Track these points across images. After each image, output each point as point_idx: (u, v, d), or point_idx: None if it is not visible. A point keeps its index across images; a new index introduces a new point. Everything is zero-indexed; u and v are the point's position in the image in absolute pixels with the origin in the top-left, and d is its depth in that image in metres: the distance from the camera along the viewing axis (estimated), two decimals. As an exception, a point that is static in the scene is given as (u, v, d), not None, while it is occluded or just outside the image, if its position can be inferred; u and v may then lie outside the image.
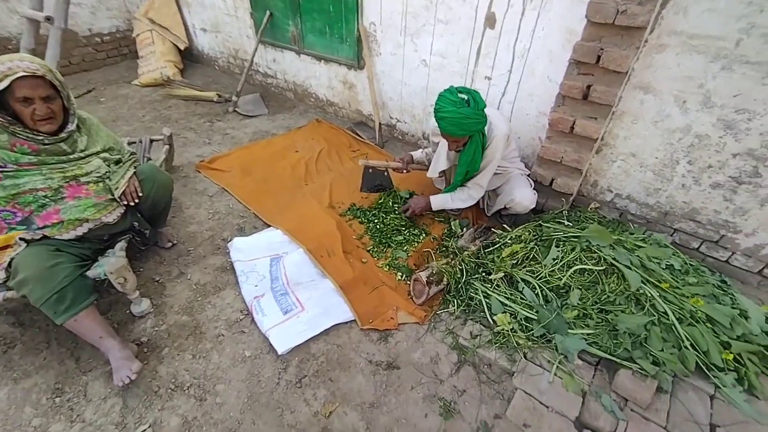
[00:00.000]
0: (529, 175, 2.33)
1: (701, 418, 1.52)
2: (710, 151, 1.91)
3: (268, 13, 3.57)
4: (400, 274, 2.06)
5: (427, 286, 1.88)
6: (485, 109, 1.85)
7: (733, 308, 1.73)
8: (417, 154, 2.48)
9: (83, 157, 1.66)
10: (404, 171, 2.39)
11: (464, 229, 2.32)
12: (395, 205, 2.46)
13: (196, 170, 2.89)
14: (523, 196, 2.09)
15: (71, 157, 1.62)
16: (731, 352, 1.61)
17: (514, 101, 2.49)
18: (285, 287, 1.91)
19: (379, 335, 1.81)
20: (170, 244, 2.19)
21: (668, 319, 1.67)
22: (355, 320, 1.84)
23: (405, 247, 2.18)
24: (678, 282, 1.78)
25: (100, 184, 1.71)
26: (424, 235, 2.26)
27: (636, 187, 2.22)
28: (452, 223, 2.35)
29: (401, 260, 2.12)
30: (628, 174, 2.21)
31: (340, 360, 1.72)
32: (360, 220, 2.38)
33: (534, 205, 2.13)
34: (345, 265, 2.03)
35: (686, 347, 1.62)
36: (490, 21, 2.34)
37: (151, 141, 2.64)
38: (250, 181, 2.75)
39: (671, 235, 2.22)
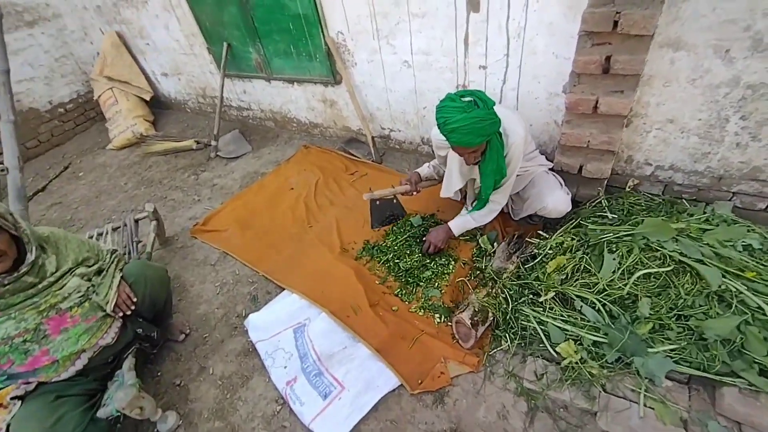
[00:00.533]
0: (552, 169, 2.05)
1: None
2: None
3: (225, 45, 3.28)
4: (437, 315, 1.84)
5: (473, 329, 1.65)
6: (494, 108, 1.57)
7: (838, 285, 1.47)
8: (424, 171, 2.21)
9: (56, 281, 1.45)
10: (414, 193, 2.13)
11: (494, 244, 2.07)
12: (418, 227, 2.24)
13: (192, 236, 2.68)
14: (556, 201, 1.82)
15: (41, 286, 1.40)
16: None
17: (518, 87, 2.19)
18: (317, 365, 1.70)
19: (433, 397, 1.60)
20: (183, 335, 1.99)
21: (765, 314, 1.42)
22: (402, 385, 1.63)
23: (436, 283, 1.95)
24: (764, 265, 1.52)
25: (86, 305, 1.50)
26: (453, 262, 2.02)
27: (679, 155, 1.93)
28: (480, 240, 2.09)
29: (435, 299, 1.89)
30: (667, 143, 1.92)
31: (398, 439, 1.52)
32: (378, 259, 2.14)
33: (570, 208, 1.86)
34: (376, 321, 1.80)
35: (785, 339, 1.37)
36: (473, 4, 2.03)
37: (136, 221, 2.43)
38: (252, 238, 2.53)
39: (730, 200, 1.94)
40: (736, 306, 1.45)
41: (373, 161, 3.00)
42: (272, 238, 2.50)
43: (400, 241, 2.18)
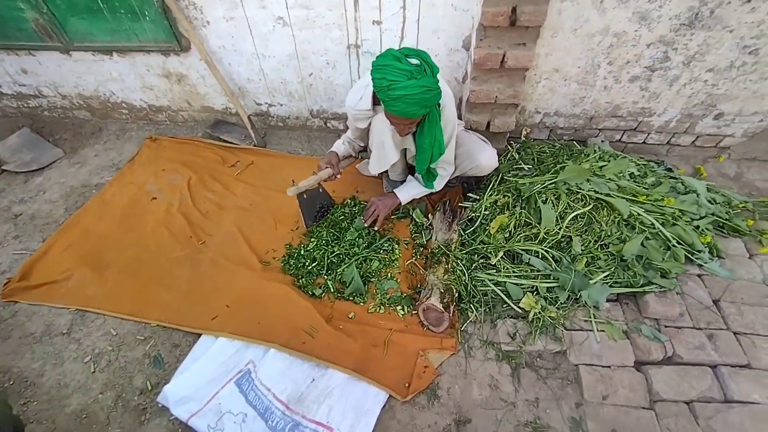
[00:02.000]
0: (465, 128, 2.04)
1: (706, 300, 1.70)
2: (627, 47, 1.88)
3: (-34, -4, 2.09)
4: (400, 308, 1.68)
5: (445, 311, 1.57)
6: None
7: (688, 192, 1.90)
8: (340, 149, 1.89)
9: None
10: (337, 176, 1.82)
11: (429, 216, 1.99)
12: (341, 218, 1.95)
13: (6, 302, 1.77)
14: (489, 158, 1.81)
15: None
16: (707, 234, 1.79)
17: (416, 43, 2.03)
18: (289, 416, 1.36)
19: (426, 396, 1.48)
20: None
21: (655, 228, 1.74)
22: (391, 396, 1.45)
23: (387, 273, 1.76)
24: (646, 188, 1.84)
25: None
26: (396, 246, 1.86)
27: (562, 101, 2.15)
28: (414, 214, 1.97)
29: (393, 291, 1.72)
30: (553, 91, 2.10)
31: (407, 455, 1.37)
32: (308, 265, 1.80)
33: (497, 163, 1.88)
34: (339, 337, 1.54)
35: (674, 246, 1.73)
36: (360, -54, 1.72)
37: None
38: (118, 277, 1.82)
39: (596, 136, 2.29)
40: (638, 227, 1.73)
41: (254, 145, 2.48)
42: (151, 270, 1.85)
43: (328, 234, 1.88)
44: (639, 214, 1.74)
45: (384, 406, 1.44)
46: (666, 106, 2.11)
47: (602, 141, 2.19)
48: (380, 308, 1.68)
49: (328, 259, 1.77)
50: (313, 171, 1.76)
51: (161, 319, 1.66)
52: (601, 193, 1.75)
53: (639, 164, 1.98)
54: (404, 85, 1.26)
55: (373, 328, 1.61)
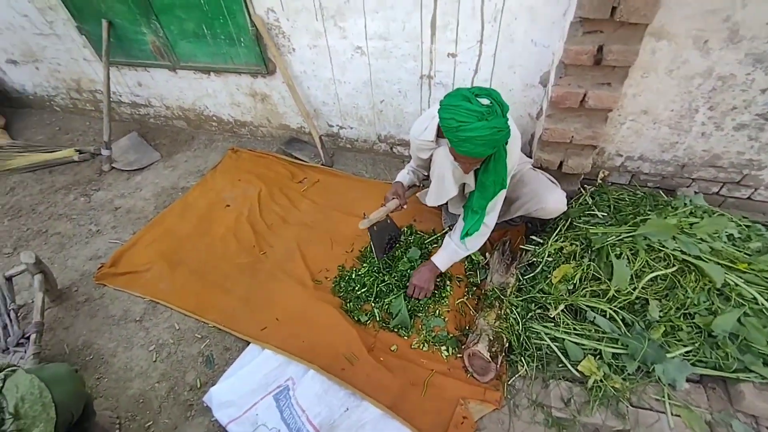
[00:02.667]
0: (533, 165, 1.94)
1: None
2: (735, 92, 1.66)
3: (104, 22, 2.50)
4: (444, 348, 1.61)
5: (492, 361, 1.47)
6: None
7: (807, 263, 1.60)
8: (405, 178, 1.88)
9: None
10: (403, 207, 1.81)
11: (485, 255, 1.90)
12: (398, 251, 1.94)
13: (98, 284, 2.02)
14: (557, 201, 1.69)
15: None
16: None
17: (491, 78, 2.00)
18: (318, 442, 1.36)
19: (461, 449, 1.39)
20: (111, 438, 1.46)
21: (758, 304, 1.47)
22: (423, 442, 1.38)
23: (436, 310, 1.71)
24: (749, 255, 1.59)
25: None
26: (448, 282, 1.80)
27: (649, 146, 1.95)
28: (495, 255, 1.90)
29: (439, 330, 1.66)
30: (639, 134, 1.92)
31: None
32: (363, 291, 1.81)
33: (566, 207, 1.75)
34: (379, 370, 1.52)
35: (779, 324, 1.45)
36: (443, -18, 1.75)
37: (8, 279, 1.72)
38: (187, 276, 1.99)
39: (688, 186, 2.04)
40: (735, 299, 1.48)
41: (322, 164, 2.60)
42: (215, 273, 1.99)
43: (380, 262, 1.88)
44: (737, 285, 1.49)
45: (415, 451, 1.38)
46: (781, 160, 1.82)
47: (695, 193, 1.94)
48: (424, 345, 1.63)
49: (377, 287, 1.77)
50: (381, 203, 1.78)
51: (218, 321, 1.77)
52: (690, 255, 1.53)
53: (741, 225, 1.71)
54: (474, 126, 1.22)
55: (415, 365, 1.56)
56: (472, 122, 1.22)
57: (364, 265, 1.89)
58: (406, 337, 1.66)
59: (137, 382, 1.64)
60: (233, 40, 2.35)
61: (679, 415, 1.39)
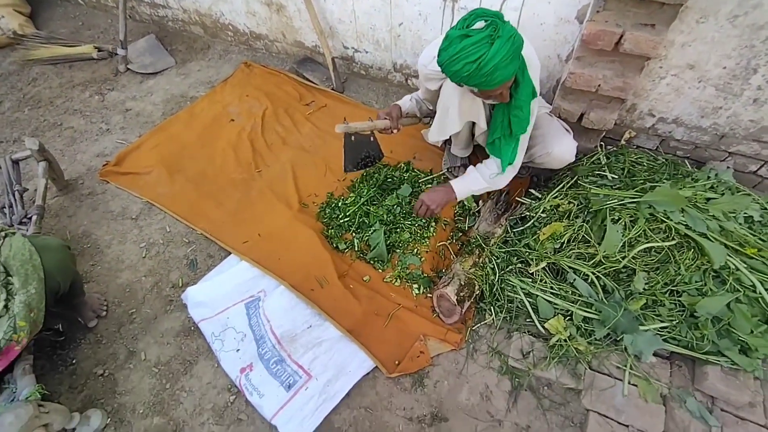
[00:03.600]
0: (551, 112, 1.76)
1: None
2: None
3: None
4: (416, 286, 1.62)
5: (458, 305, 1.46)
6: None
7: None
8: (405, 104, 1.76)
9: None
10: (394, 131, 1.68)
11: (479, 202, 1.82)
12: (389, 181, 1.89)
13: (101, 179, 2.11)
14: (563, 149, 1.56)
15: None
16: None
17: (521, 7, 1.76)
18: (277, 350, 1.44)
19: (412, 380, 1.45)
20: (95, 320, 1.59)
21: (755, 292, 1.36)
22: (377, 367, 1.44)
23: (414, 249, 1.69)
24: (763, 240, 1.44)
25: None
26: (433, 224, 1.75)
27: (688, 108, 1.72)
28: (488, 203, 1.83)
29: (414, 268, 1.65)
30: (680, 92, 1.68)
31: (374, 427, 1.37)
32: (341, 220, 1.80)
33: (574, 159, 1.61)
34: (346, 296, 1.55)
35: (779, 316, 1.35)
36: None
37: (15, 162, 1.81)
38: (184, 184, 2.03)
39: (723, 160, 1.82)
40: (731, 284, 1.37)
41: (333, 89, 2.48)
42: (210, 185, 2.02)
43: (368, 193, 1.84)
44: (737, 269, 1.37)
45: (368, 375, 1.44)
46: (843, 141, 1.57)
47: (728, 168, 1.73)
48: (396, 280, 1.63)
49: (360, 218, 1.75)
50: (369, 117, 1.67)
51: (206, 230, 1.83)
52: (694, 230, 1.41)
53: (766, 208, 1.53)
54: (492, 53, 1.08)
55: (383, 297, 1.59)
56: (487, 51, 1.08)
57: (352, 195, 1.86)
58: (380, 270, 1.67)
59: (126, 274, 1.76)
60: (250, -63, 2.15)
61: (636, 385, 1.37)
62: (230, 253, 1.74)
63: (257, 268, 1.63)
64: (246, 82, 2.58)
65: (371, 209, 1.77)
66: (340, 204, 1.84)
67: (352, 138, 1.65)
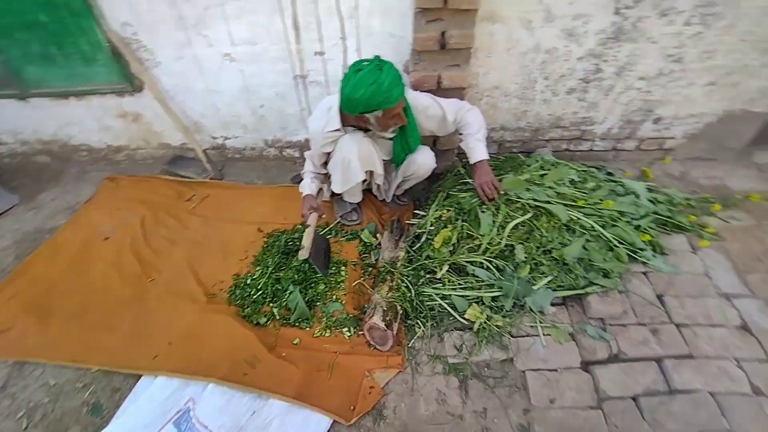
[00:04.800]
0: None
1: (649, 296, 1.70)
2: (560, 62, 1.97)
3: None
4: (346, 329, 1.66)
5: (388, 329, 1.55)
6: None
7: (627, 194, 1.94)
8: (312, 187, 1.89)
9: None
10: (322, 216, 1.88)
11: (377, 236, 2.00)
12: (290, 244, 1.95)
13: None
14: (424, 157, 1.86)
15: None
16: (647, 233, 1.81)
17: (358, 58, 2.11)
18: (225, 452, 1.31)
19: (372, 417, 1.43)
20: None
21: (595, 231, 1.76)
22: (336, 421, 1.41)
23: (333, 296, 1.75)
24: (585, 193, 1.88)
25: None
26: (342, 267, 1.85)
27: (505, 116, 2.22)
28: (362, 235, 1.99)
29: (338, 313, 1.69)
30: (496, 107, 2.18)
31: (351, 484, 1.31)
32: (259, 294, 1.78)
33: (436, 164, 1.91)
34: (282, 366, 1.50)
35: (616, 246, 1.74)
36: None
37: None
38: (62, 325, 1.75)
39: (544, 147, 2.35)
40: (578, 230, 1.75)
41: (211, 178, 2.51)
42: (96, 314, 1.79)
43: (273, 262, 1.87)
44: (578, 219, 1.76)
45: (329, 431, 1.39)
46: (605, 114, 2.18)
47: (548, 151, 2.25)
48: (326, 332, 1.65)
49: (273, 287, 1.76)
50: (300, 223, 1.85)
51: (102, 363, 1.60)
52: (540, 201, 1.78)
53: (579, 171, 2.02)
54: (384, 74, 1.42)
55: (318, 352, 1.58)
56: (379, 74, 1.42)
57: (258, 269, 1.86)
58: (308, 328, 1.67)
59: (8, 455, 1.42)
60: (89, 59, 2.19)
61: (549, 334, 1.59)
62: (140, 376, 1.55)
63: (177, 378, 1.49)
64: (114, 197, 2.45)
65: (281, 275, 1.80)
66: (248, 281, 1.82)
67: (311, 252, 1.68)
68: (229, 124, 2.45)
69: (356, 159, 1.69)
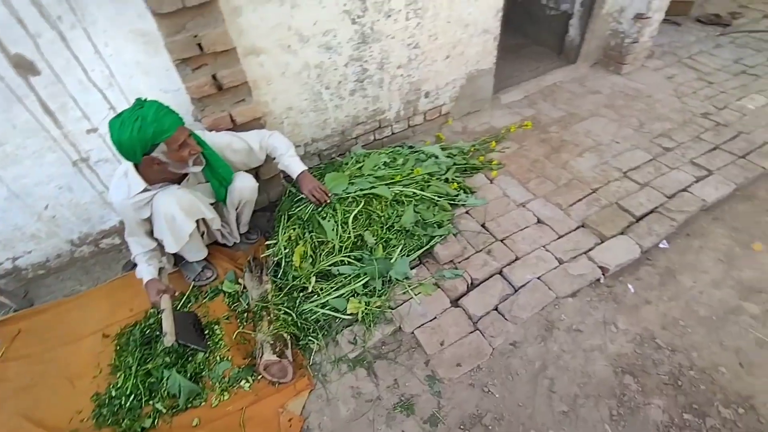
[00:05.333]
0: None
1: (476, 228, 2.13)
2: (331, 72, 2.24)
3: None
4: (244, 381, 1.61)
5: (283, 359, 1.57)
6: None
7: (429, 158, 2.36)
8: (151, 270, 1.73)
9: None
10: (175, 293, 1.76)
11: (239, 281, 1.97)
12: (147, 333, 1.77)
13: None
14: (242, 181, 1.90)
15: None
16: (455, 182, 2.26)
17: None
18: None
19: (301, 448, 1.45)
20: None
21: (418, 195, 2.11)
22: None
23: (216, 357, 1.67)
24: (398, 169, 2.22)
25: None
26: (216, 326, 1.78)
27: (311, 130, 2.42)
28: (224, 287, 1.93)
29: (228, 372, 1.63)
30: (298, 125, 2.35)
31: None
32: (131, 399, 1.57)
33: (255, 181, 1.96)
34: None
35: (438, 200, 2.13)
36: (27, 67, 1.62)
37: None
38: None
39: (356, 144, 2.65)
40: (405, 200, 2.07)
41: (15, 311, 2.05)
42: None
43: (134, 359, 1.67)
44: (401, 191, 2.08)
45: (263, 489, 1.35)
46: (389, 102, 2.58)
47: (359, 147, 2.55)
48: (224, 395, 1.58)
49: (145, 383, 1.58)
50: (154, 310, 1.73)
51: None
52: (366, 189, 2.03)
53: (388, 153, 2.37)
54: (146, 110, 1.42)
55: (224, 418, 1.50)
56: (140, 111, 1.41)
57: (120, 373, 1.64)
58: (203, 403, 1.56)
59: None
60: None
61: (420, 293, 1.86)
62: None
63: None
64: None
65: (150, 366, 1.62)
66: (113, 393, 1.59)
67: (178, 334, 1.55)
68: (11, 241, 2.04)
69: (178, 211, 1.63)
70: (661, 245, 2.02)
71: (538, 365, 1.62)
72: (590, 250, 1.98)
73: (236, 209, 1.97)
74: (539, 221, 2.16)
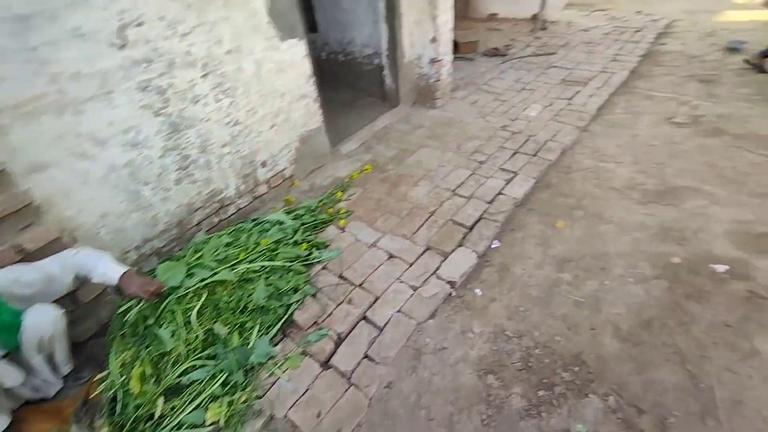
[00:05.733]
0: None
1: (335, 281, 2.15)
2: (147, 167, 2.12)
3: None
4: None
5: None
6: None
7: (273, 225, 2.35)
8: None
9: None
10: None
11: (80, 422, 1.62)
12: None
13: None
14: (33, 317, 1.56)
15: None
16: (304, 242, 2.27)
17: None
18: None
19: None
20: None
21: (267, 267, 2.05)
22: None
23: None
24: (242, 246, 2.15)
25: None
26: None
27: (141, 230, 2.21)
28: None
29: None
30: (121, 229, 2.13)
31: None
32: None
33: (59, 310, 1.65)
34: None
35: (290, 265, 2.11)
36: None
37: None
38: None
39: (200, 231, 2.51)
40: (254, 277, 1.99)
41: None
42: None
43: None
44: (248, 269, 2.00)
45: None
46: (224, 181, 2.54)
47: (201, 233, 2.42)
48: None
49: None
50: None
51: None
52: (207, 278, 1.90)
53: (230, 233, 2.29)
54: None
55: None
56: None
57: None
58: None
59: None
60: None
61: (287, 368, 1.75)
62: None
63: None
64: None
65: None
66: None
67: None
68: None
69: None
70: (493, 245, 2.30)
71: (413, 399, 1.63)
72: (437, 269, 2.14)
73: (41, 352, 1.64)
74: (391, 256, 2.28)
